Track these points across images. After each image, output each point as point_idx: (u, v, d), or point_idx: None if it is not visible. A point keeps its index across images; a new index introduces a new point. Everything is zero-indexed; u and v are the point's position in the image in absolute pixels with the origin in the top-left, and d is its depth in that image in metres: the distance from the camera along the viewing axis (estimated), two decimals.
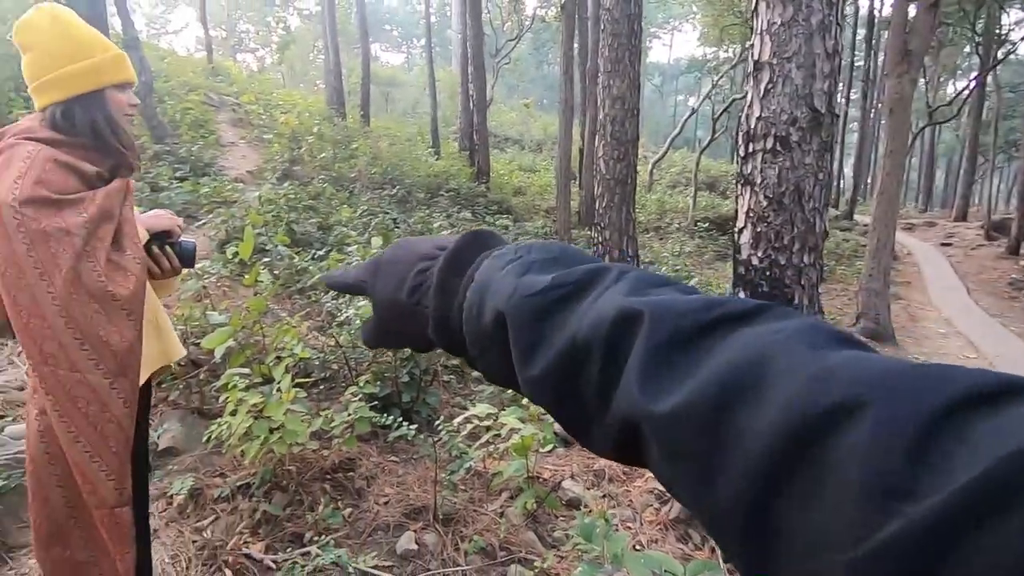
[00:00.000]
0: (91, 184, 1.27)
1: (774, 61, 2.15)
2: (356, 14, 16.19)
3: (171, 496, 2.29)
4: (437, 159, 12.90)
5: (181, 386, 2.97)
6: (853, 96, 23.02)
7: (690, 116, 19.16)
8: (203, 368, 3.14)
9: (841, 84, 2.41)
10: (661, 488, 2.57)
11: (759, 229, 2.20)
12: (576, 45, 11.89)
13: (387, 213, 7.87)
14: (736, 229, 2.32)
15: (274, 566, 2.04)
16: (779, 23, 2.14)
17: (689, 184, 16.16)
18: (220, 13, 28.65)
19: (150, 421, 1.66)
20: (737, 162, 2.38)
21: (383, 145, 12.01)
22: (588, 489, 2.58)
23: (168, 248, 1.43)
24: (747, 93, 2.31)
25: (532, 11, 18.75)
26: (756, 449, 0.22)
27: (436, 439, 2.38)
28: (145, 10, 32.87)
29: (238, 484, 2.36)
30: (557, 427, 2.86)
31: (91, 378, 1.17)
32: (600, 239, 5.58)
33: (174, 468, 2.53)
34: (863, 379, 0.21)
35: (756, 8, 2.26)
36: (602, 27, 5.45)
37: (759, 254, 2.20)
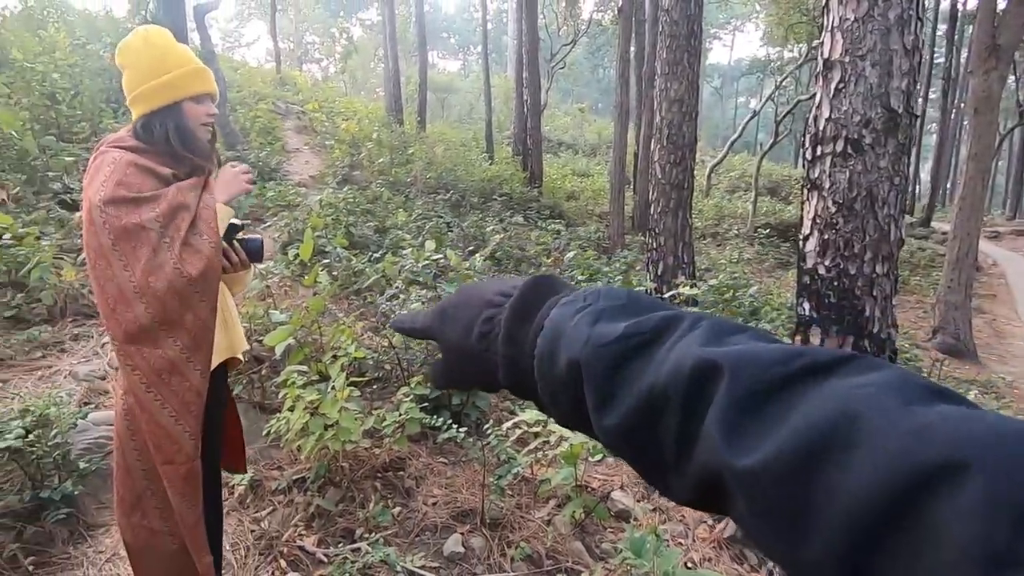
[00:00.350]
0: (167, 185, 1.39)
1: (846, 59, 2.04)
2: (415, 23, 16.60)
3: (232, 486, 2.40)
4: (491, 164, 13.02)
5: (244, 381, 3.11)
6: (932, 95, 21.59)
7: (751, 118, 18.50)
8: (265, 364, 3.28)
9: (919, 83, 2.26)
10: None
11: (827, 236, 2.08)
12: (633, 48, 11.72)
13: (441, 217, 8.00)
14: (801, 236, 2.21)
15: (326, 560, 2.09)
16: (852, 19, 2.03)
17: (749, 189, 15.60)
18: (289, 26, 30.08)
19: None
20: (803, 166, 2.27)
21: (438, 150, 12.23)
22: (638, 502, 2.52)
23: (236, 243, 1.49)
24: (815, 93, 2.20)
25: (588, 15, 18.65)
26: (853, 507, 0.21)
27: (484, 443, 2.39)
28: (221, 25, 34.96)
29: (294, 478, 2.45)
30: None
31: (171, 353, 1.32)
32: (654, 245, 5.45)
33: None
34: (966, 438, 0.20)
35: (827, 4, 2.15)
36: (660, 29, 5.35)
37: (826, 263, 2.08)
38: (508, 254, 7.18)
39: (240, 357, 1.62)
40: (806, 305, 2.16)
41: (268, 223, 6.46)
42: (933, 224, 16.35)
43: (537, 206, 11.07)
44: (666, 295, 4.87)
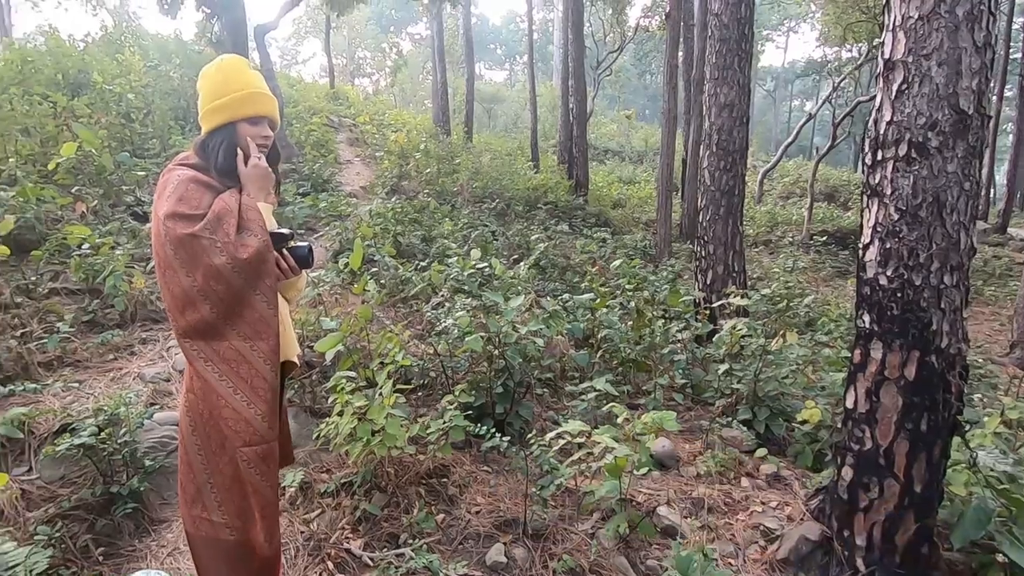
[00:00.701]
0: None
1: (909, 59, 1.94)
2: (462, 36, 16.91)
3: (284, 488, 2.48)
4: (536, 172, 13.05)
5: (296, 385, 3.21)
6: (1008, 93, 20.19)
7: (806, 122, 17.84)
8: (315, 370, 3.39)
9: (993, 81, 2.12)
10: (768, 524, 2.37)
11: (889, 245, 1.97)
12: (681, 53, 11.54)
13: (486, 226, 8.07)
14: (861, 244, 2.10)
15: (371, 563, 2.13)
16: (916, 17, 1.93)
17: (804, 195, 14.99)
18: (342, 43, 31.20)
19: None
20: (862, 171, 2.16)
21: (484, 160, 12.38)
22: (685, 518, 2.44)
23: (285, 251, 1.56)
24: (876, 95, 2.10)
25: (635, 21, 18.49)
26: None
27: (528, 452, 2.38)
28: (279, 44, 36.61)
29: (342, 481, 2.51)
30: (654, 448, 2.74)
31: (236, 343, 1.44)
32: (703, 253, 5.32)
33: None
34: None
35: (888, 2, 2.05)
36: (709, 33, 5.24)
37: (888, 273, 1.97)
38: (553, 262, 7.16)
39: (295, 360, 1.69)
40: (866, 317, 2.05)
41: (320, 232, 6.69)
42: (1010, 230, 15.24)
43: (582, 214, 11.01)
44: (715, 304, 4.73)
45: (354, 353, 3.03)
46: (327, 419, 2.53)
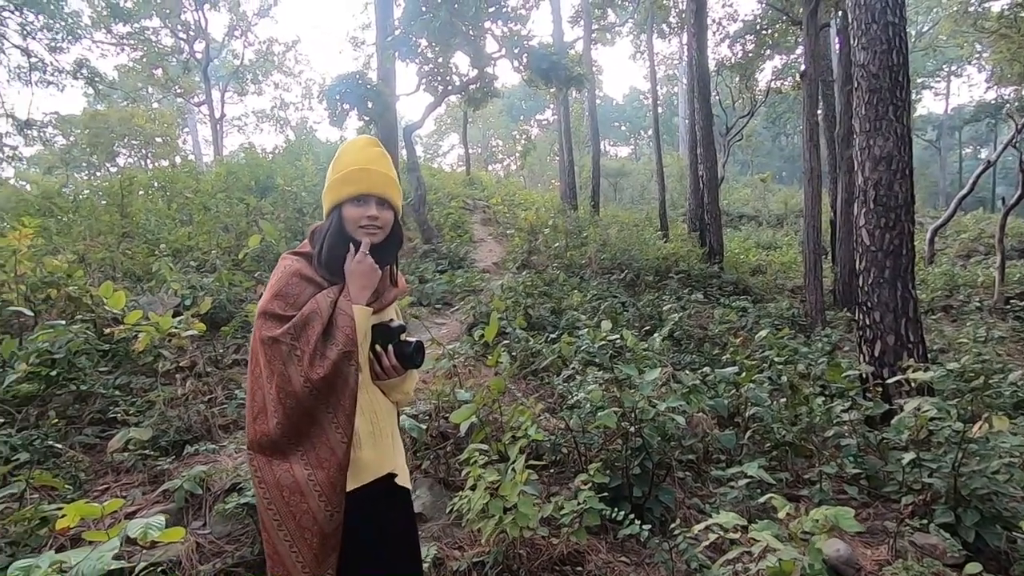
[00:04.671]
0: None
1: None
2: (587, 117, 17.67)
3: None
4: (666, 241, 12.78)
5: (431, 456, 3.28)
6: None
7: (985, 170, 15.58)
8: (450, 441, 3.44)
9: None
10: None
11: None
12: (820, 111, 10.91)
13: (616, 297, 7.94)
14: None
15: None
16: None
17: (990, 252, 12.87)
18: (477, 134, 34.27)
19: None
20: None
21: (612, 232, 12.43)
22: None
23: (391, 347, 1.40)
24: None
25: (766, 84, 18.01)
26: None
27: (672, 544, 2.14)
28: (424, 140, 41.18)
29: (474, 560, 2.44)
30: (827, 552, 2.32)
31: (296, 469, 1.26)
32: (867, 322, 4.69)
33: (422, 534, 2.74)
34: None
35: None
36: (855, 85, 4.89)
37: None
38: (688, 333, 6.78)
39: (395, 472, 1.45)
40: None
41: (456, 307, 7.05)
42: None
43: (718, 282, 10.44)
44: (889, 380, 4.08)
45: (487, 425, 3.04)
46: (460, 493, 2.51)
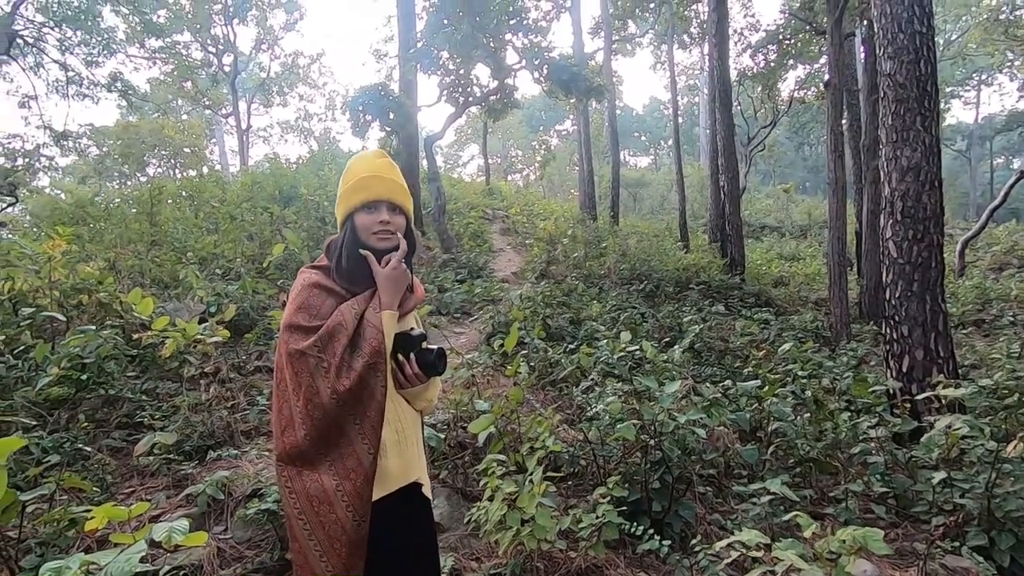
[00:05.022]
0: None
1: None
2: (607, 127, 17.68)
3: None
4: (686, 252, 12.68)
5: (450, 466, 3.28)
6: None
7: (1017, 181, 15.17)
8: (468, 451, 3.44)
9: None
10: None
11: None
12: (845, 121, 10.76)
13: (635, 308, 7.89)
14: None
15: None
16: None
17: None
18: (496, 144, 34.50)
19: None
20: None
21: (631, 242, 12.39)
22: None
23: (412, 355, 1.40)
24: None
25: (789, 94, 17.83)
26: None
27: (693, 561, 2.10)
28: (444, 151, 41.61)
29: (491, 572, 2.42)
30: (855, 574, 2.26)
31: (325, 479, 1.28)
32: (894, 336, 4.57)
33: (439, 544, 2.73)
34: None
35: None
36: (881, 95, 4.81)
37: None
38: (709, 345, 6.70)
39: (420, 481, 1.47)
40: None
41: (475, 316, 7.07)
42: None
43: (740, 294, 10.30)
44: (918, 397, 3.98)
45: (505, 436, 3.03)
46: (478, 503, 2.50)
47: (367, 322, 1.34)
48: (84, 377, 3.41)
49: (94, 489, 2.65)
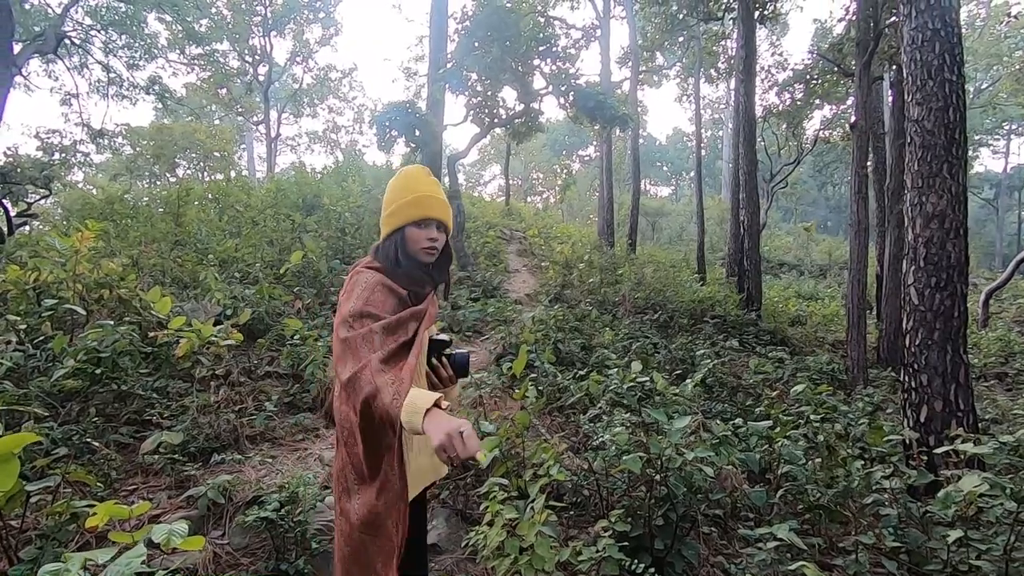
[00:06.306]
0: (405, 302, 1.55)
1: None
2: (630, 155, 17.77)
3: None
4: (703, 285, 12.58)
5: (451, 486, 3.24)
6: None
7: None
8: (470, 472, 3.40)
9: None
10: None
11: None
12: (870, 163, 10.70)
13: (648, 337, 7.81)
14: None
15: None
16: None
17: None
18: (518, 166, 34.81)
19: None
20: None
21: (647, 271, 12.33)
22: None
23: (444, 359, 1.57)
24: None
25: (813, 133, 17.81)
26: None
27: None
28: (466, 169, 42.11)
29: None
30: None
31: (370, 493, 1.43)
32: (912, 385, 4.47)
33: (435, 566, 2.69)
34: None
35: None
36: (908, 140, 4.78)
37: None
38: (721, 381, 6.59)
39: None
40: None
41: (486, 336, 7.06)
42: None
43: (755, 330, 10.16)
44: (936, 450, 3.86)
45: (508, 460, 2.99)
46: (477, 527, 2.47)
47: (417, 339, 1.48)
48: (98, 371, 3.46)
49: (98, 484, 2.67)
